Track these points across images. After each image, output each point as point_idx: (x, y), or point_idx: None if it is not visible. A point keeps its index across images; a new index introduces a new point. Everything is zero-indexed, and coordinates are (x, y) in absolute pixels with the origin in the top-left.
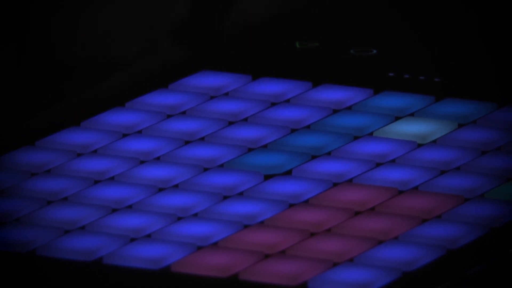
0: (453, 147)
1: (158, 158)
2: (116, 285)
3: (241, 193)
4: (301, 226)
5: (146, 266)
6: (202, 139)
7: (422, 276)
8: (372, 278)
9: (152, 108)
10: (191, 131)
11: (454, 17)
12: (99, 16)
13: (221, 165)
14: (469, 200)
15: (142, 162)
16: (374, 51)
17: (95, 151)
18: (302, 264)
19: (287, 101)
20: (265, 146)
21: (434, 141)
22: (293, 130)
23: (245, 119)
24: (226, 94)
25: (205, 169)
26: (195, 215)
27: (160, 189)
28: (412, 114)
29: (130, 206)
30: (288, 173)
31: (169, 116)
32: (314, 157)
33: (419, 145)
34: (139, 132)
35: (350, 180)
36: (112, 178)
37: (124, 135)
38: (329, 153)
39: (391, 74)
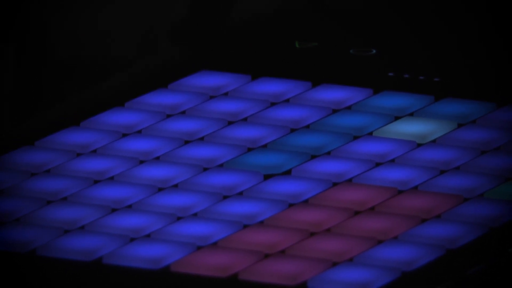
0: (452, 147)
1: (157, 158)
2: (115, 285)
3: (240, 193)
4: (300, 225)
5: (145, 266)
6: (202, 139)
7: (421, 276)
8: (372, 278)
9: (151, 108)
10: (191, 131)
11: (454, 17)
12: (99, 16)
13: (221, 165)
14: (468, 200)
15: (141, 162)
16: (374, 51)
17: (94, 151)
18: (302, 264)
19: (287, 101)
20: (264, 146)
21: (434, 141)
22: (292, 130)
23: (245, 119)
24: (226, 94)
25: (205, 169)
26: (195, 215)
27: (160, 189)
28: (411, 114)
29: (129, 206)
30: (288, 173)
31: (168, 116)
32: (313, 157)
33: (419, 145)
34: (139, 132)
35: (350, 180)
36: (111, 178)
37: (124, 135)
38: (328, 153)
39: (390, 74)
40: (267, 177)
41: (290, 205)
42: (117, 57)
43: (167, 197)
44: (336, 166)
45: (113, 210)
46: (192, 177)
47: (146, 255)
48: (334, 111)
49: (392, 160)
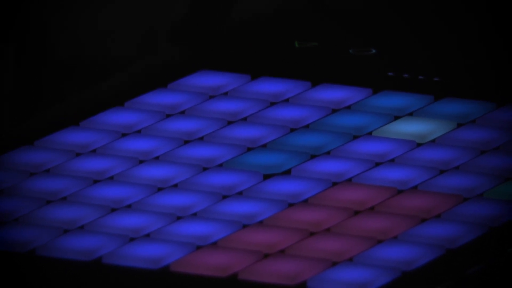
0: (452, 147)
1: (157, 158)
2: (115, 285)
3: (240, 193)
4: (300, 225)
5: (145, 265)
6: (201, 138)
7: (421, 276)
8: (371, 278)
9: (151, 107)
10: (190, 130)
11: (453, 16)
12: (99, 16)
13: (220, 165)
14: (468, 199)
15: (141, 162)
16: (373, 51)
17: (94, 151)
18: (301, 264)
19: (286, 100)
20: (264, 146)
21: (433, 141)
22: (292, 130)
23: (244, 119)
24: (225, 93)
25: (204, 169)
26: (194, 214)
27: (159, 189)
28: (411, 114)
29: (129, 206)
30: (287, 172)
31: (168, 116)
32: (313, 157)
33: (418, 145)
34: (138, 131)
35: (349, 180)
36: (111, 178)
37: (123, 135)
38: (328, 153)
39: (390, 74)
40: (266, 176)
41: (290, 205)
42: (117, 57)
43: (167, 197)
44: (335, 166)
45: (113, 210)
46: (191, 177)
47: (145, 255)
48: (334, 111)
49: (392, 160)
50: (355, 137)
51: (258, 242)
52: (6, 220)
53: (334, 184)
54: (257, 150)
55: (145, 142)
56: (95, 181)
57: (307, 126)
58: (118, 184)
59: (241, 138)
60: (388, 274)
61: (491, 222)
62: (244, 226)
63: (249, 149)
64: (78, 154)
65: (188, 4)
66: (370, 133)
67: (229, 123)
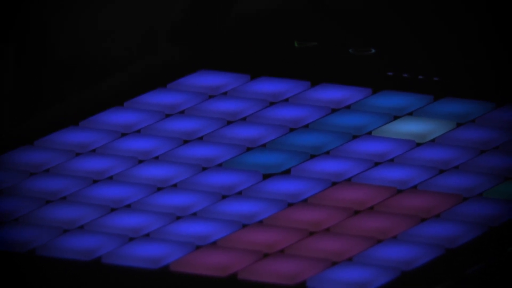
0: (451, 146)
1: (156, 158)
2: (115, 285)
3: (239, 193)
4: (300, 225)
5: (145, 265)
6: (201, 138)
7: (421, 275)
8: (371, 277)
9: (150, 107)
10: (190, 130)
11: (453, 16)
12: (99, 16)
13: (220, 165)
14: (468, 199)
15: (140, 162)
16: (373, 51)
17: (93, 151)
18: (301, 263)
19: (286, 100)
20: (263, 145)
21: (433, 140)
22: (291, 129)
23: (244, 119)
24: (225, 93)
25: (204, 169)
26: (194, 214)
27: (159, 189)
28: (410, 113)
29: (128, 206)
30: (287, 172)
31: (167, 116)
32: (312, 156)
33: (418, 144)
34: (138, 131)
35: (349, 179)
36: (110, 178)
37: (123, 135)
38: (327, 152)
39: (389, 73)
40: (266, 176)
41: (289, 205)
42: (117, 57)
43: (166, 196)
44: (335, 166)
45: (112, 210)
46: (191, 177)
47: (145, 254)
48: (333, 111)
49: (391, 160)
50: (355, 137)
51: (257, 242)
52: (6, 220)
53: (334, 184)
54: (257, 150)
55: (144, 142)
56: (95, 181)
57: (306, 126)
58: (117, 184)
59: (241, 138)
60: (387, 274)
61: (491, 221)
62: (244, 226)
63: (248, 149)
64: (77, 154)
65: (188, 4)
66: (369, 133)
67: (229, 122)
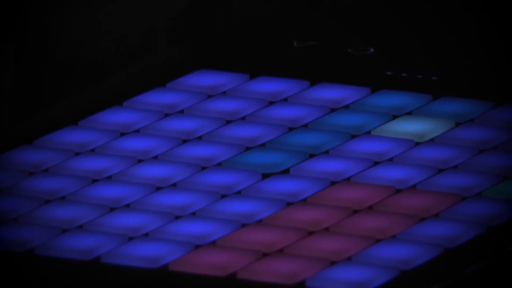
0: (450, 146)
1: (155, 157)
2: (114, 284)
3: (238, 192)
4: (299, 224)
5: (144, 265)
6: (200, 138)
7: (420, 275)
8: (370, 277)
9: (149, 107)
10: (189, 130)
11: (452, 15)
12: (99, 16)
13: (219, 164)
14: (466, 198)
15: (139, 161)
16: (372, 50)
17: (92, 150)
18: (300, 263)
19: (285, 99)
20: (263, 145)
21: (432, 140)
22: (290, 129)
23: (243, 118)
24: (224, 93)
25: (203, 168)
26: (193, 214)
27: (158, 188)
28: (409, 113)
29: (127, 205)
30: (286, 171)
31: (166, 115)
32: (312, 156)
33: (417, 144)
34: (137, 131)
35: (348, 179)
36: (109, 177)
37: (122, 134)
38: (327, 152)
39: (388, 73)
40: (265, 176)
41: (289, 204)
42: (117, 57)
43: (165, 196)
44: (334, 165)
45: (111, 209)
46: (190, 176)
47: (144, 254)
48: (332, 110)
49: (390, 159)
50: (354, 136)
51: (256, 241)
52: (5, 220)
53: (333, 183)
54: (256, 149)
55: (143, 142)
56: (94, 181)
57: (305, 125)
58: (116, 184)
59: (240, 137)
60: (386, 273)
61: (490, 221)
62: (243, 225)
63: (247, 148)
64: (76, 154)
65: (187, 4)
66: (368, 132)
67: (228, 122)
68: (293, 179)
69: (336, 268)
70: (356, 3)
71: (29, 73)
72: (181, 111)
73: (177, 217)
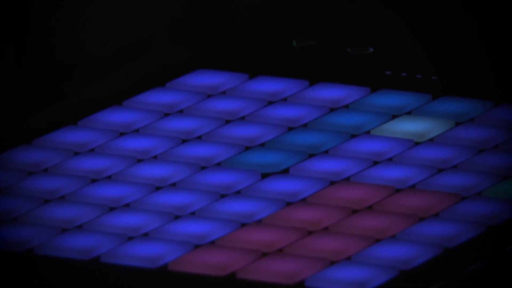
0: (450, 146)
1: (155, 157)
2: (113, 284)
3: (238, 192)
4: (298, 224)
5: (143, 264)
6: (199, 137)
7: (419, 275)
8: (370, 277)
9: (149, 106)
10: (188, 129)
11: (451, 15)
12: (99, 16)
13: (218, 164)
14: (466, 198)
15: (139, 161)
16: (371, 50)
17: (92, 150)
18: (300, 263)
19: (284, 99)
20: (262, 145)
21: (431, 140)
22: (290, 129)
23: (242, 118)
24: (223, 92)
25: (202, 168)
26: (193, 213)
27: (157, 188)
28: (409, 113)
29: (127, 205)
30: (286, 171)
31: (166, 115)
32: (311, 156)
33: (416, 144)
34: (136, 130)
35: (348, 179)
36: (109, 177)
37: (121, 134)
38: (326, 152)
39: (388, 73)
40: (264, 175)
41: (288, 204)
42: (117, 57)
43: (165, 196)
44: (333, 165)
45: (111, 209)
46: (189, 176)
47: (143, 254)
48: (332, 110)
49: (390, 159)
50: (353, 136)
51: (256, 241)
52: (4, 219)
53: (332, 183)
54: (255, 149)
55: (143, 141)
56: (93, 180)
57: (305, 125)
58: (116, 183)
59: (239, 137)
60: (386, 273)
61: (489, 221)
62: (242, 225)
63: (247, 148)
64: (76, 153)
65: (187, 4)
66: (368, 132)
67: (227, 122)
68: (292, 179)
69: (335, 268)
70: (356, 2)
71: (29, 73)
72: (181, 111)
73: (176, 217)
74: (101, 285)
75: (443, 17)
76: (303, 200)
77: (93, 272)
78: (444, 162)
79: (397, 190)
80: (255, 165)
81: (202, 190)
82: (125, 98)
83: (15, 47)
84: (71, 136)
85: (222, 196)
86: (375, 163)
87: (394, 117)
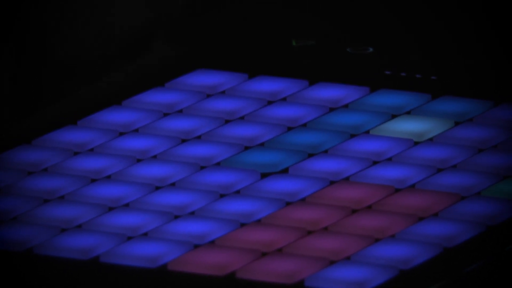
0: (449, 145)
1: (154, 157)
2: (113, 284)
3: (237, 191)
4: (297, 224)
5: (143, 264)
6: (199, 137)
7: (419, 274)
8: (369, 276)
9: (148, 106)
10: (188, 129)
11: (451, 15)
12: (99, 16)
13: (218, 163)
14: (465, 198)
15: (138, 161)
16: (371, 49)
17: (91, 150)
18: (299, 262)
19: (284, 99)
20: (261, 144)
21: (431, 139)
22: (289, 128)
23: (242, 117)
24: (223, 92)
25: (202, 167)
26: (192, 213)
27: (157, 188)
28: (408, 112)
29: (126, 205)
30: (285, 171)
31: (165, 115)
32: (310, 155)
33: (416, 143)
34: (136, 130)
35: (347, 178)
36: (108, 177)
37: (121, 134)
38: (325, 151)
39: (387, 72)
40: (264, 175)
41: (287, 204)
42: (117, 57)
43: (164, 195)
44: (333, 165)
45: (110, 209)
46: (189, 176)
47: (143, 253)
48: (331, 110)
49: (389, 159)
50: (353, 136)
51: (255, 240)
52: (4, 219)
53: (332, 182)
54: (255, 149)
55: (142, 141)
56: (93, 180)
57: (304, 125)
58: (115, 183)
59: (239, 137)
60: (385, 273)
61: (489, 220)
62: (242, 224)
63: (246, 148)
64: (75, 153)
65: (187, 4)
66: (367, 132)
67: (227, 121)
68: (292, 179)
69: (335, 268)
70: (355, 2)
71: (29, 73)
72: (180, 111)
73: (176, 217)
74: (101, 285)
75: (442, 17)
76: (303, 199)
77: (93, 272)
78: (443, 162)
79: (397, 190)
80: (255, 165)
81: (201, 189)
82: (125, 98)
83: (15, 47)
84: (70, 136)
85: (222, 195)
86: (375, 162)
87: (393, 116)
